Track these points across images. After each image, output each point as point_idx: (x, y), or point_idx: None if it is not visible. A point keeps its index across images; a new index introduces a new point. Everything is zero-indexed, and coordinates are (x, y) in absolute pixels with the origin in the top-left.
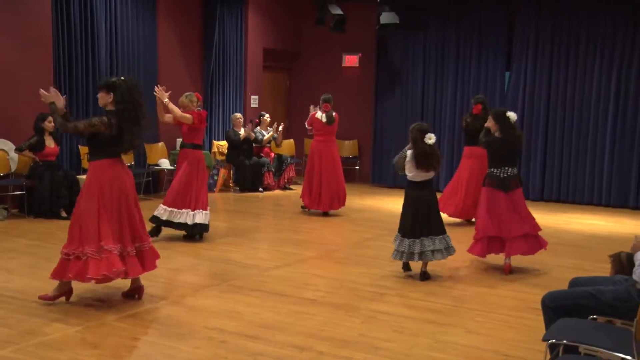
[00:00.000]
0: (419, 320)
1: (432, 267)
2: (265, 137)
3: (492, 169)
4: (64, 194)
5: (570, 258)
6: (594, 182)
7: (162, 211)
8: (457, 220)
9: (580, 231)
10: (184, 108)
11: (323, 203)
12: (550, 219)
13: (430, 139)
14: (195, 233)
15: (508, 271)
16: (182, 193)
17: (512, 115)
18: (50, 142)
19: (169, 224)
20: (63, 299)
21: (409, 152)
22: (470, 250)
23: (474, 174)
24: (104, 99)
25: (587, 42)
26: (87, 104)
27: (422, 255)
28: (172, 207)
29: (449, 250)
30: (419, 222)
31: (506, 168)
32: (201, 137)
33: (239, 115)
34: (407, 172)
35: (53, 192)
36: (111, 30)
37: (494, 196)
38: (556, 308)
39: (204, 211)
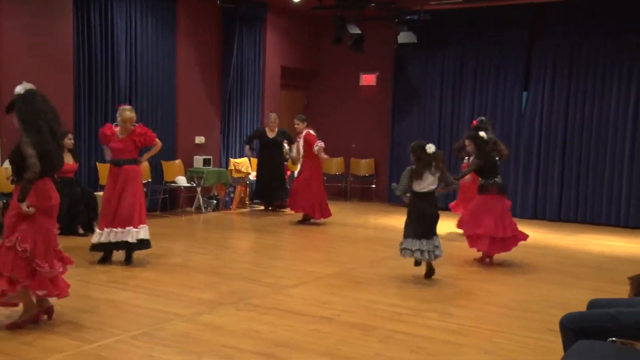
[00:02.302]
0: (436, 341)
1: (448, 286)
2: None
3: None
4: (82, 210)
5: (589, 279)
6: (612, 202)
7: (139, 232)
8: None
9: (598, 252)
10: (130, 122)
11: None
12: (568, 240)
13: (430, 148)
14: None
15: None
16: (143, 208)
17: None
18: (68, 159)
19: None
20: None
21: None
22: None
23: None
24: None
25: (605, 61)
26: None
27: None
28: (141, 225)
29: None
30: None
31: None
32: None
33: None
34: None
35: (71, 208)
36: (131, 50)
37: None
38: (575, 329)
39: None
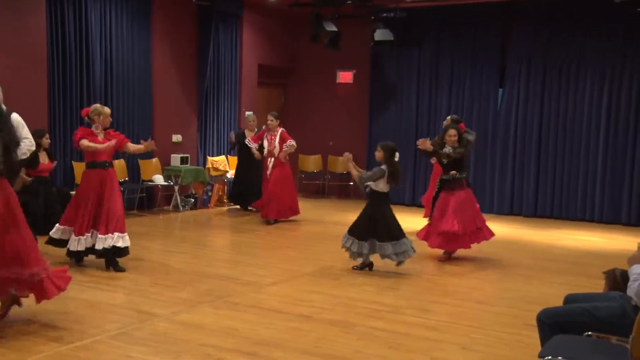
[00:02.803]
0: (415, 337)
1: (426, 283)
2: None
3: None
4: (58, 210)
5: (565, 274)
6: (586, 198)
7: (117, 238)
8: None
9: (574, 247)
10: (104, 117)
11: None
12: (544, 235)
13: (397, 156)
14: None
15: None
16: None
17: None
18: (44, 158)
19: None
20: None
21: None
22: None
23: None
24: None
25: (578, 59)
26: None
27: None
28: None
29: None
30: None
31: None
32: None
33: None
34: (376, 186)
35: (47, 208)
36: (106, 48)
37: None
38: (552, 324)
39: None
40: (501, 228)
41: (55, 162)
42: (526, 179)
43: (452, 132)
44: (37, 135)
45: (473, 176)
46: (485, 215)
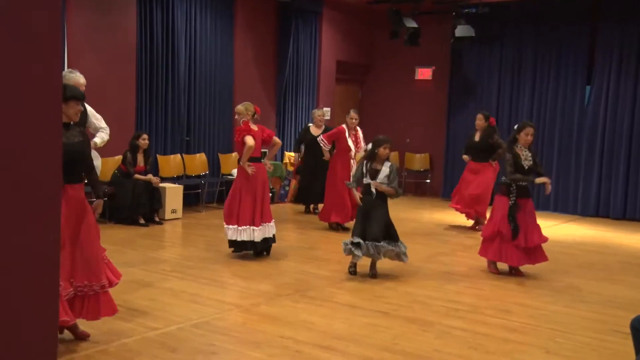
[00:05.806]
0: (496, 338)
1: (506, 284)
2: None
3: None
4: (144, 202)
5: None
6: None
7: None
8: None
9: None
10: (239, 115)
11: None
12: (634, 239)
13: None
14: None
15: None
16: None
17: None
18: (141, 161)
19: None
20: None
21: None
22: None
23: None
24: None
25: None
26: (166, 116)
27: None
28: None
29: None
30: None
31: None
32: None
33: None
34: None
35: (134, 200)
36: (190, 45)
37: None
38: None
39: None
40: (587, 230)
41: (148, 166)
42: (614, 180)
43: (531, 130)
44: (134, 137)
45: (556, 175)
46: (569, 217)
